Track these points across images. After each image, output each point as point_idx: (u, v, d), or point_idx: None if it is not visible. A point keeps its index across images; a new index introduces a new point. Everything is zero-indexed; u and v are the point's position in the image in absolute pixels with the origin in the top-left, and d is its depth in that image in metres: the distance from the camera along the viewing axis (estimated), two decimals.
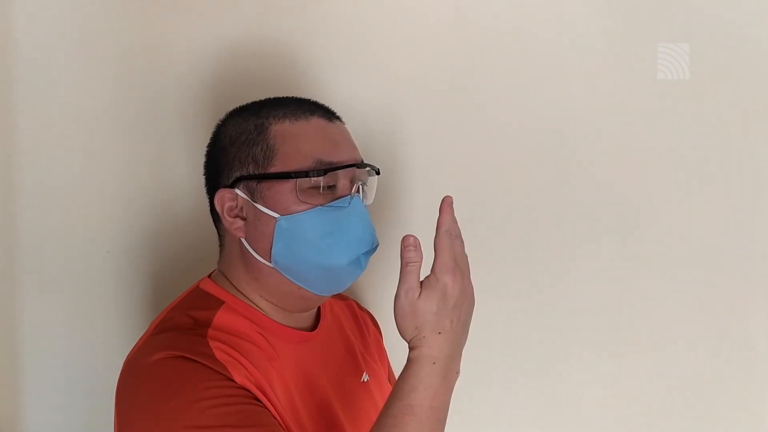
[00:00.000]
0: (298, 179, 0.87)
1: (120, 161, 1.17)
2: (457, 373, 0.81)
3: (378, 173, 0.94)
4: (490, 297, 1.23)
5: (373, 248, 0.91)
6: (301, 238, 0.87)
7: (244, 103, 0.96)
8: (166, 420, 0.76)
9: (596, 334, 1.23)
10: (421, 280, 0.82)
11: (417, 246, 0.82)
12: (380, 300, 1.20)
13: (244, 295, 0.92)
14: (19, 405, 1.18)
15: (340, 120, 0.95)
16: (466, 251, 1.22)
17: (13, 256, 1.17)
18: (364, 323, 1.09)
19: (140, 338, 0.89)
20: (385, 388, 1.03)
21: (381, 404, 0.98)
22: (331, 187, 0.88)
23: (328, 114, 0.93)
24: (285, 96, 0.96)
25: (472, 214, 1.22)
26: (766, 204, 1.22)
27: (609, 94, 1.21)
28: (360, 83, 1.20)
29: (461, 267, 0.83)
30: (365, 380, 1.00)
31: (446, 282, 0.81)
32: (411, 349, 0.81)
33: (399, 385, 0.79)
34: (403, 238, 0.82)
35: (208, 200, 0.95)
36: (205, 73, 1.16)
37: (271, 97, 0.96)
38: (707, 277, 1.23)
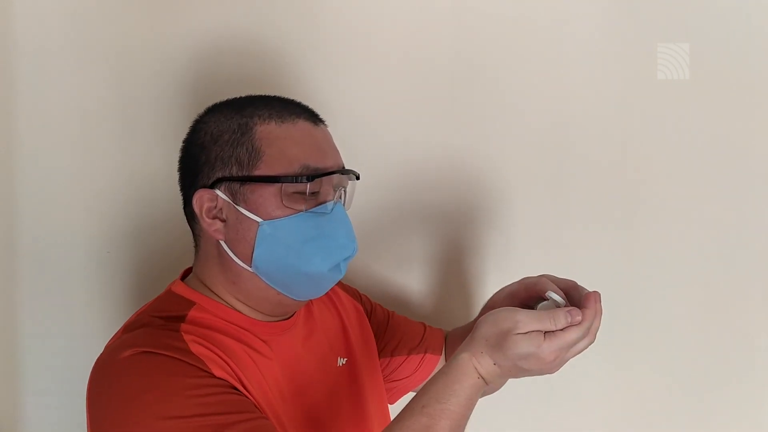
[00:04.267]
0: (283, 184, 0.84)
1: (120, 160, 1.17)
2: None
3: (358, 178, 0.93)
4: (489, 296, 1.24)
5: (353, 254, 0.90)
6: (283, 243, 0.85)
7: (224, 99, 0.93)
8: (143, 413, 0.74)
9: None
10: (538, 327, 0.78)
11: (595, 313, 0.80)
12: (366, 289, 1.20)
13: (220, 297, 0.89)
14: (19, 405, 1.18)
15: (324, 123, 0.93)
16: (465, 251, 1.23)
17: (13, 256, 1.17)
18: (336, 297, 1.07)
19: (109, 341, 0.87)
20: (363, 370, 1.02)
21: (357, 388, 0.99)
22: (315, 193, 0.86)
23: (314, 117, 0.91)
24: (268, 95, 0.93)
25: (471, 214, 1.22)
26: (766, 204, 1.22)
27: (609, 94, 1.21)
28: (356, 82, 1.20)
29: (563, 357, 0.79)
30: (341, 364, 0.99)
31: (545, 353, 0.78)
32: (464, 351, 0.80)
33: (439, 387, 0.78)
34: (592, 297, 0.81)
35: (181, 197, 0.93)
36: (204, 71, 1.17)
37: (254, 94, 0.94)
38: (707, 277, 1.23)
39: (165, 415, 0.74)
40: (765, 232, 1.22)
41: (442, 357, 1.11)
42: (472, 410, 0.79)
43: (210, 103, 0.94)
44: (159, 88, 1.17)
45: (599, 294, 0.82)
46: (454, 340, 1.12)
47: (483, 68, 1.20)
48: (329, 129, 0.94)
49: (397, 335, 1.10)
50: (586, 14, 1.20)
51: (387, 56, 1.20)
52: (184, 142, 0.93)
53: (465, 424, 0.79)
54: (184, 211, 0.92)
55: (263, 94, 0.94)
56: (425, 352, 1.09)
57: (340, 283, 1.09)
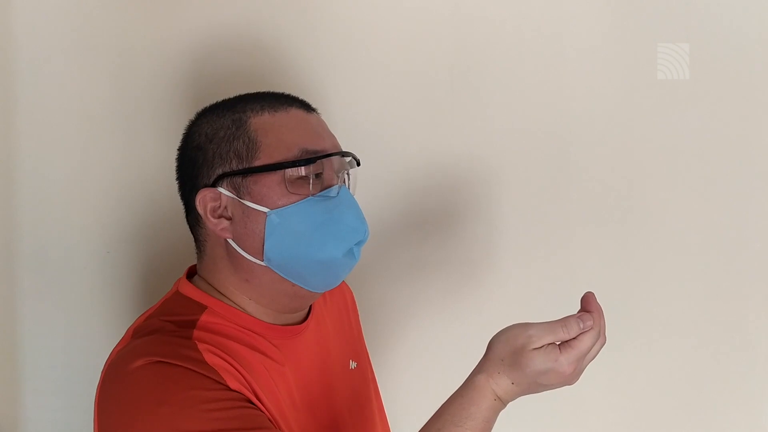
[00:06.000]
0: (286, 170, 0.83)
1: (120, 160, 1.17)
2: None
3: (359, 164, 0.92)
4: (490, 297, 1.24)
5: (366, 238, 0.89)
6: (293, 231, 0.83)
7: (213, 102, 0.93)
8: (156, 426, 0.73)
9: None
10: (553, 341, 0.77)
11: (600, 313, 0.79)
12: (370, 292, 1.22)
13: (231, 300, 0.87)
14: (19, 405, 1.18)
15: (317, 111, 0.92)
16: (465, 252, 1.23)
17: (13, 256, 1.16)
18: (345, 303, 1.06)
19: (117, 345, 0.84)
20: (370, 373, 1.02)
21: (367, 390, 0.99)
22: (319, 177, 0.85)
23: (305, 105, 0.91)
24: (258, 91, 0.93)
25: (471, 213, 1.22)
26: (766, 204, 1.22)
27: (609, 94, 1.21)
28: (356, 82, 1.20)
29: (581, 366, 0.78)
30: (353, 367, 0.98)
31: (563, 367, 0.76)
32: (480, 372, 0.78)
33: (456, 409, 0.77)
34: (591, 298, 0.80)
35: (183, 205, 0.92)
36: (204, 71, 1.17)
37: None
38: (707, 277, 1.23)
39: (179, 428, 0.73)
40: (765, 232, 1.22)
41: None
42: None
43: (210, 102, 0.94)
44: (159, 87, 1.17)
45: (593, 293, 0.81)
46: None
47: (483, 68, 1.20)
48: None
49: None
50: (586, 14, 1.20)
51: (387, 58, 1.20)
52: (179, 149, 0.92)
53: None
54: (187, 219, 0.92)
55: (253, 92, 0.93)
56: None
57: (353, 297, 1.10)
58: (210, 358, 0.78)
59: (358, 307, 1.12)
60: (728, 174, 1.21)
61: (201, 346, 0.79)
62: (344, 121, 1.11)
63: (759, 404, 1.24)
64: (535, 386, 0.78)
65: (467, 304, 1.24)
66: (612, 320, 1.24)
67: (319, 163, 0.85)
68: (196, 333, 0.81)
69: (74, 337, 1.18)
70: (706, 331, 1.23)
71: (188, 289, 0.89)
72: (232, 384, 0.77)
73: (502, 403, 0.78)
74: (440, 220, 1.22)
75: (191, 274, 0.93)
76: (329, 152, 0.87)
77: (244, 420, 0.75)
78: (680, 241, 1.22)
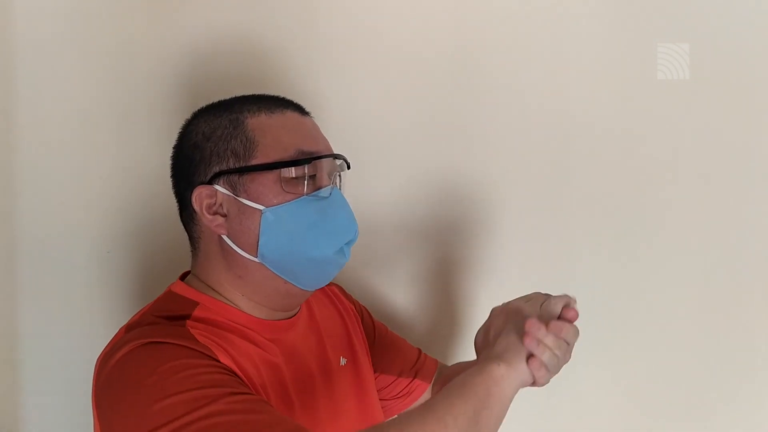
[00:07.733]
0: (282, 170, 0.86)
1: (119, 160, 1.17)
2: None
3: (349, 167, 0.95)
4: (489, 297, 1.23)
5: (355, 238, 0.92)
6: (287, 229, 0.86)
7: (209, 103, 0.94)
8: (147, 395, 0.73)
9: (596, 336, 1.23)
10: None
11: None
12: (363, 289, 1.22)
13: (223, 296, 0.89)
14: (19, 405, 1.18)
15: (311, 115, 0.95)
16: (464, 252, 1.23)
17: (13, 255, 1.16)
18: (338, 300, 1.07)
19: (111, 341, 0.85)
20: (364, 368, 1.03)
21: (359, 386, 1.00)
22: (312, 178, 0.88)
23: (300, 109, 0.93)
24: (254, 93, 0.95)
25: (471, 215, 1.22)
26: (766, 204, 1.22)
27: (609, 94, 1.21)
28: (352, 84, 1.20)
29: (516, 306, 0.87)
30: (343, 363, 0.99)
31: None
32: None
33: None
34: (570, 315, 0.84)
35: (177, 202, 0.93)
36: (202, 71, 1.17)
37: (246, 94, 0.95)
38: (708, 277, 1.23)
39: (167, 392, 0.72)
40: (765, 232, 1.22)
41: (430, 387, 1.10)
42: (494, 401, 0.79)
43: (207, 104, 0.94)
44: (158, 87, 1.17)
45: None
46: (449, 376, 1.09)
47: (483, 69, 1.20)
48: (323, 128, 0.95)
49: (391, 352, 1.10)
50: (586, 14, 1.20)
51: (384, 59, 1.20)
52: (174, 147, 0.94)
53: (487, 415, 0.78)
54: (181, 216, 0.93)
55: (249, 94, 0.95)
56: (415, 376, 1.09)
57: (342, 291, 1.11)
58: (202, 338, 0.80)
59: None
60: (728, 174, 1.21)
61: (194, 331, 0.81)
62: (341, 124, 1.11)
63: (759, 404, 1.24)
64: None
65: (467, 308, 1.24)
66: (612, 321, 1.25)
67: (313, 164, 0.88)
68: (189, 323, 0.83)
69: (74, 337, 1.18)
70: (707, 332, 1.23)
71: (181, 288, 0.90)
72: (223, 359, 0.79)
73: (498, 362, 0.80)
74: (439, 223, 1.22)
75: (184, 277, 0.95)
76: (324, 154, 0.90)
77: (231, 385, 0.75)
78: (681, 242, 1.22)
